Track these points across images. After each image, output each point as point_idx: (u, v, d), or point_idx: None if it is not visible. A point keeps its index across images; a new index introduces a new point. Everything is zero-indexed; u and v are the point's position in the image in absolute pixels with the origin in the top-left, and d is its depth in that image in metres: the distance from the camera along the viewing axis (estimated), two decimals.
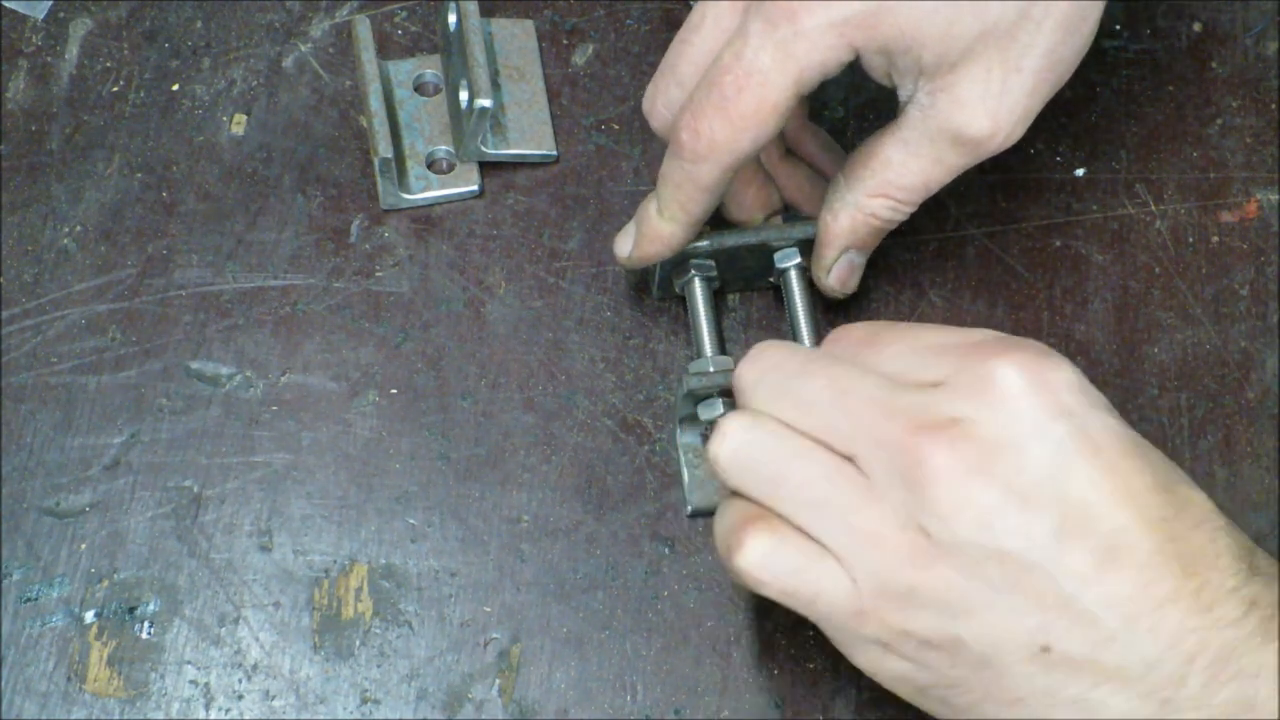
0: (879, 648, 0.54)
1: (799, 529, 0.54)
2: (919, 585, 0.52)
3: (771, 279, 0.68)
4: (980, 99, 0.61)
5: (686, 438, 0.65)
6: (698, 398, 0.64)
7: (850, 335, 0.58)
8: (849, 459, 0.54)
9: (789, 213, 0.69)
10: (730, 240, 0.66)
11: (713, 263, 0.67)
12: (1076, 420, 0.52)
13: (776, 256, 0.67)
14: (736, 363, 0.66)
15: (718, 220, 0.67)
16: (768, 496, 0.55)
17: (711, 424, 0.64)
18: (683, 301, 0.68)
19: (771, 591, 0.55)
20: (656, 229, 0.64)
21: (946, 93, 0.61)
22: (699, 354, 0.66)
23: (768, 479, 0.55)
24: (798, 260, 0.67)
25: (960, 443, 0.52)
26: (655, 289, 0.68)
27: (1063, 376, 0.53)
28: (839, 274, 0.66)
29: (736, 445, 0.55)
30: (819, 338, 0.66)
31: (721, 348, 0.66)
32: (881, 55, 0.61)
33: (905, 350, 0.55)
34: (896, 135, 0.63)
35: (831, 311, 0.69)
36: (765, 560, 0.54)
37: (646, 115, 0.66)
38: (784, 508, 0.54)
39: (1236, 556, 0.52)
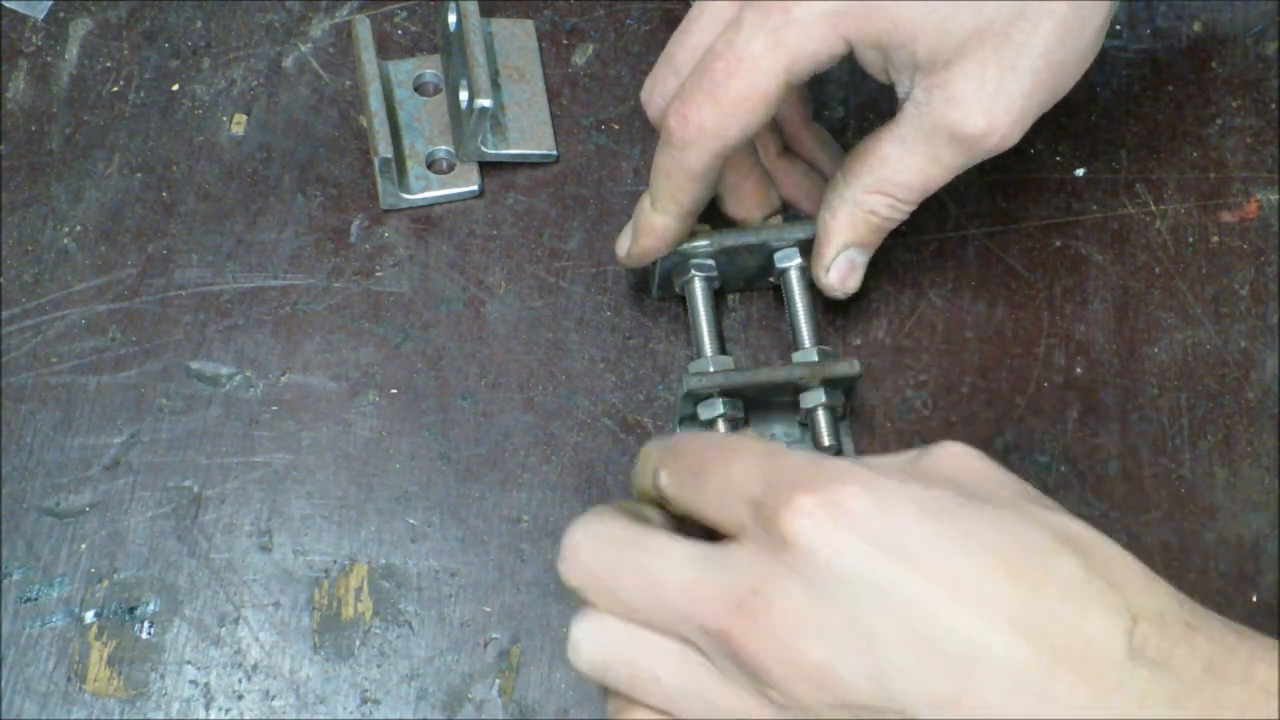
0: None
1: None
2: None
3: (772, 279, 0.68)
4: (975, 97, 0.60)
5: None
6: (698, 398, 0.64)
7: (687, 454, 0.54)
8: (689, 643, 0.52)
9: (789, 212, 0.69)
10: (730, 240, 0.66)
11: (713, 263, 0.67)
12: (885, 545, 0.48)
13: (776, 256, 0.67)
14: (736, 363, 0.66)
15: (718, 220, 0.67)
16: (633, 693, 0.53)
17: (711, 423, 0.64)
18: (683, 301, 0.68)
19: None
20: (650, 222, 0.64)
21: (942, 90, 0.61)
22: (699, 354, 0.66)
23: (625, 680, 0.53)
24: (798, 260, 0.67)
25: (763, 613, 0.49)
26: (655, 289, 0.68)
27: (857, 505, 0.49)
28: (838, 272, 0.66)
29: (588, 655, 0.53)
30: (819, 338, 0.66)
31: (722, 348, 0.66)
32: (876, 50, 0.61)
33: (718, 488, 0.52)
34: (894, 132, 0.63)
35: (831, 312, 0.69)
36: None
37: (644, 105, 0.66)
38: (652, 701, 0.53)
39: (1112, 637, 0.47)
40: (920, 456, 0.52)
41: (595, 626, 0.53)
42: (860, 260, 0.66)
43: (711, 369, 0.65)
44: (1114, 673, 0.47)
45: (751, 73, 0.60)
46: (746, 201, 0.67)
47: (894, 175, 0.63)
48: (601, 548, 0.53)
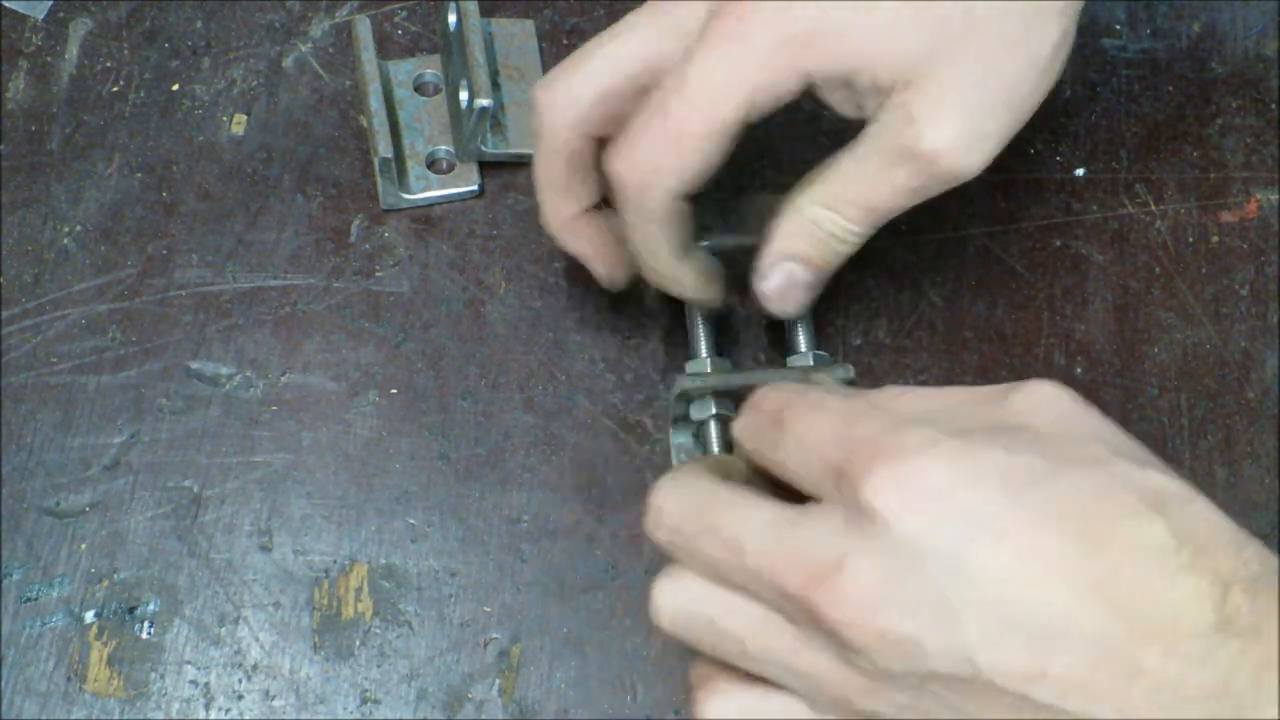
0: None
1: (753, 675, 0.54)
2: (878, 709, 0.51)
3: None
4: (932, 115, 0.59)
5: (680, 438, 0.65)
6: (690, 398, 0.64)
7: (767, 404, 0.55)
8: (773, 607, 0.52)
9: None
10: (729, 241, 0.66)
11: (721, 262, 0.67)
12: (965, 516, 0.48)
13: None
14: (734, 367, 0.66)
15: (717, 220, 0.68)
16: (714, 652, 0.54)
17: (703, 424, 0.64)
18: (681, 301, 0.68)
19: None
20: (660, 276, 0.63)
21: (901, 109, 0.59)
22: (694, 354, 0.66)
23: (708, 642, 0.54)
24: None
25: (852, 587, 0.49)
26: (655, 289, 0.68)
27: (937, 477, 0.49)
28: (774, 283, 0.63)
29: (671, 615, 0.54)
30: (815, 342, 0.66)
31: (718, 348, 0.66)
32: (838, 80, 0.59)
33: (798, 447, 0.52)
34: (851, 149, 0.61)
35: (831, 312, 0.69)
36: (724, 712, 0.54)
37: (540, 106, 0.62)
38: (732, 661, 0.54)
39: (1201, 608, 0.47)
40: (1010, 394, 0.52)
41: (677, 585, 0.54)
42: (803, 277, 0.63)
43: (707, 369, 0.65)
44: (1202, 643, 0.47)
45: (710, 105, 0.58)
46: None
47: (845, 190, 0.61)
48: (687, 507, 0.54)
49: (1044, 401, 0.51)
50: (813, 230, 0.62)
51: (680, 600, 0.54)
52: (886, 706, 0.51)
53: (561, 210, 0.64)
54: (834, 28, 0.58)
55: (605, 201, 0.64)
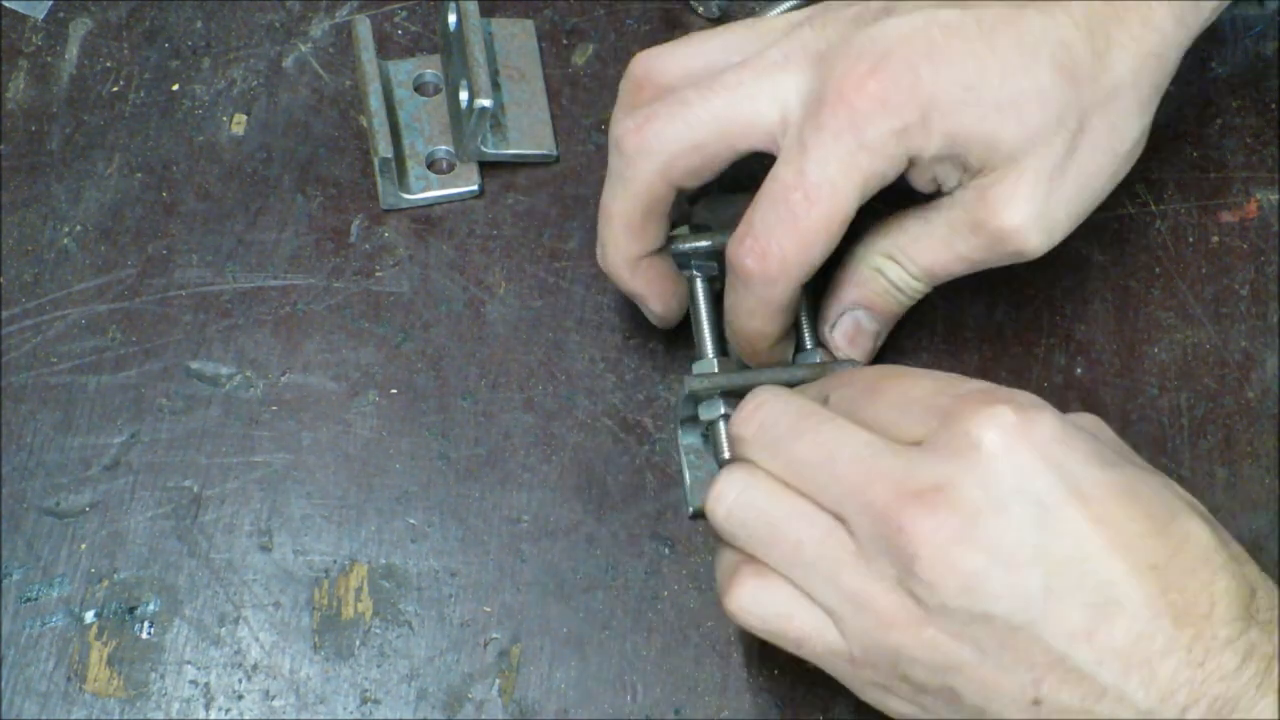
0: (878, 689, 0.55)
1: (791, 582, 0.55)
2: (908, 644, 0.53)
3: None
4: (1009, 198, 0.60)
5: (688, 438, 0.65)
6: (699, 398, 0.64)
7: (856, 381, 0.58)
8: (840, 519, 0.54)
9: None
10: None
11: (715, 263, 0.66)
12: (1061, 472, 0.52)
13: None
14: (739, 365, 0.66)
15: (713, 221, 0.67)
16: (762, 554, 0.56)
17: (712, 424, 0.64)
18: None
19: (760, 633, 0.57)
20: (749, 354, 0.64)
21: (979, 189, 0.61)
22: (701, 354, 0.66)
23: (761, 539, 0.56)
24: None
25: (942, 510, 0.52)
26: None
27: (1046, 429, 0.53)
28: (842, 331, 0.65)
29: (731, 505, 0.56)
30: (817, 341, 0.66)
31: (724, 348, 0.66)
32: (933, 162, 0.61)
33: (897, 403, 0.56)
34: (920, 210, 0.63)
35: None
36: (753, 605, 0.56)
37: (627, 149, 0.62)
38: (778, 565, 0.56)
39: (1234, 601, 0.52)
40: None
41: (748, 480, 0.57)
42: (869, 326, 0.65)
43: (715, 369, 0.65)
44: (1227, 630, 0.51)
45: (831, 199, 0.59)
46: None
47: (908, 246, 0.63)
48: (787, 411, 0.57)
49: (1094, 424, 0.57)
50: (875, 277, 0.64)
51: (748, 494, 0.56)
52: (920, 645, 0.53)
53: (631, 251, 0.64)
54: (944, 111, 0.59)
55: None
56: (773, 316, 0.62)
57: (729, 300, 0.63)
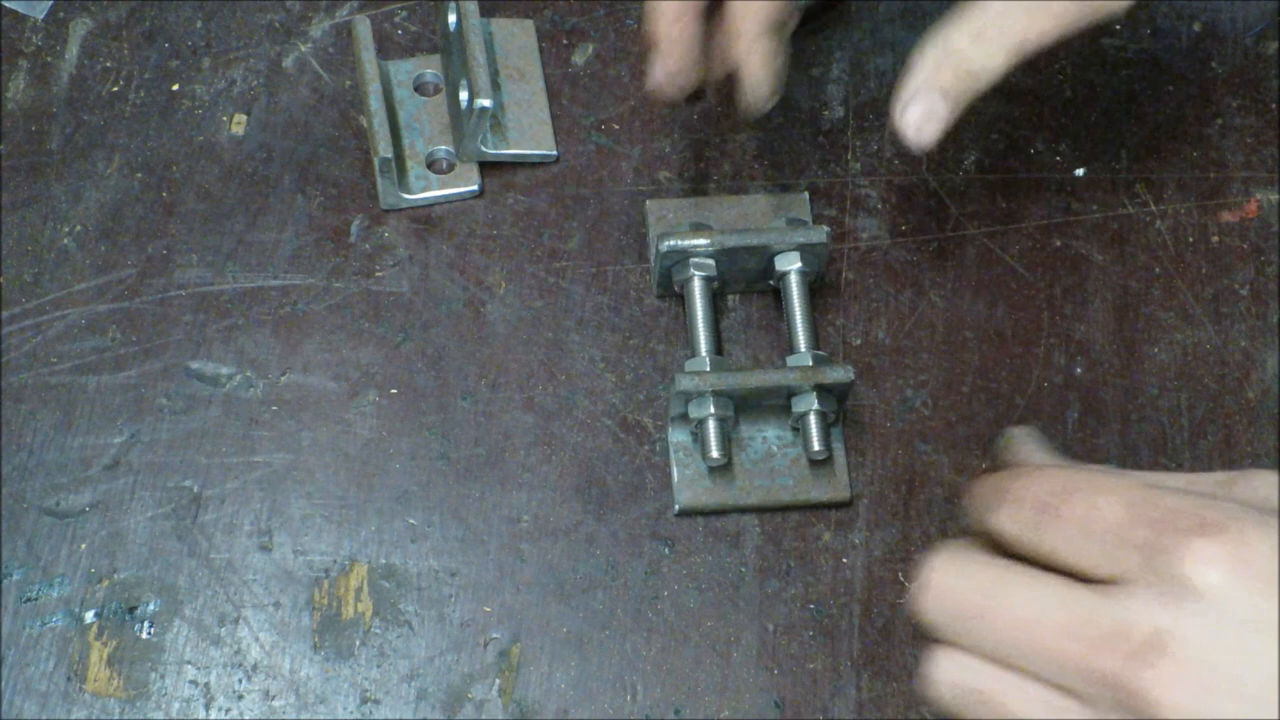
0: None
1: None
2: None
3: (772, 281, 0.68)
4: None
5: (678, 436, 0.65)
6: (689, 397, 0.64)
7: (1025, 500, 0.53)
8: (1063, 689, 0.50)
9: (793, 217, 0.69)
10: (731, 241, 0.66)
11: (713, 262, 0.67)
12: None
13: (777, 259, 0.67)
14: (733, 363, 0.66)
15: (721, 222, 0.68)
16: None
17: (701, 423, 0.64)
18: (682, 300, 0.68)
19: None
20: (657, 30, 0.62)
21: None
22: (694, 353, 0.66)
23: None
24: (798, 264, 0.67)
25: (1175, 664, 0.47)
26: (655, 286, 0.68)
27: (1263, 548, 0.48)
28: (914, 116, 0.62)
29: (948, 695, 0.52)
30: (816, 343, 0.66)
31: (718, 347, 0.66)
32: None
33: (1082, 531, 0.51)
34: None
35: (831, 312, 0.69)
36: None
37: None
38: None
39: None
40: (1237, 482, 0.51)
41: (956, 665, 0.52)
42: (941, 110, 0.62)
43: (706, 368, 0.65)
44: None
45: None
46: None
47: (998, 14, 0.60)
48: (969, 584, 0.52)
49: (1270, 489, 0.51)
50: (957, 63, 0.61)
51: (960, 680, 0.52)
52: None
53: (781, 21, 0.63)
54: None
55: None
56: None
57: None
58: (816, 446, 0.64)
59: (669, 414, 0.65)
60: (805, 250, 0.67)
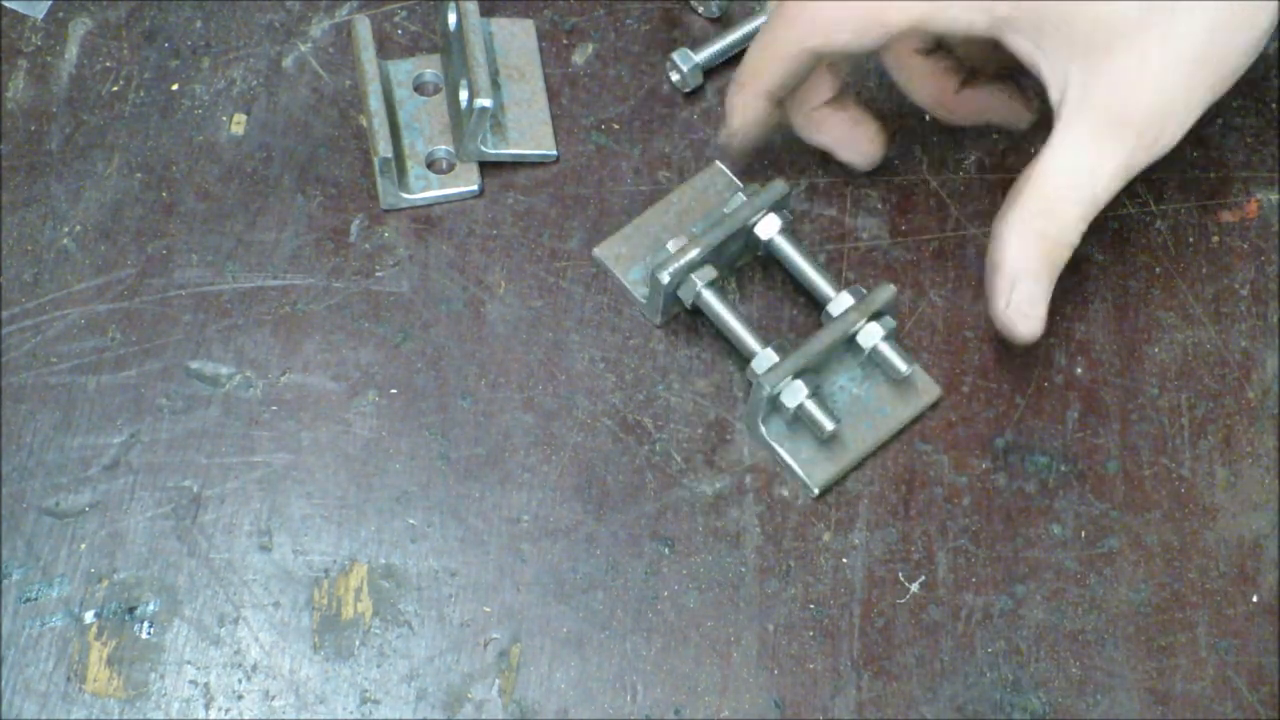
0: None
1: None
2: None
3: (759, 252, 0.68)
4: (1140, 81, 0.58)
5: (775, 429, 0.65)
6: (777, 390, 0.64)
7: None
8: None
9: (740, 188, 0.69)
10: (714, 236, 0.66)
11: (710, 266, 0.67)
12: None
13: (758, 229, 0.67)
14: (796, 344, 0.65)
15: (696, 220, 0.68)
16: None
17: (800, 406, 0.64)
18: (697, 315, 0.68)
19: None
20: (733, 100, 0.65)
21: (1101, 75, 0.58)
22: (751, 353, 0.65)
23: None
24: (779, 224, 0.67)
25: None
26: (659, 316, 0.68)
27: None
28: (1018, 308, 0.63)
29: None
30: (836, 281, 0.67)
31: (763, 339, 0.66)
32: (1030, 30, 0.59)
33: None
34: (1054, 139, 0.61)
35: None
36: None
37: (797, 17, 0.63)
38: None
39: None
40: None
41: None
42: (1038, 291, 0.63)
43: (775, 359, 0.65)
44: None
45: None
46: (859, 145, 0.68)
47: (1060, 185, 0.61)
48: None
49: None
50: (1039, 242, 0.62)
51: None
52: None
53: (810, 100, 0.66)
54: None
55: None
56: (773, 62, 0.63)
57: (759, 37, 0.64)
58: (902, 367, 0.65)
59: (752, 417, 0.65)
60: (778, 208, 0.67)
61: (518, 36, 0.73)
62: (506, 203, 0.71)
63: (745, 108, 0.66)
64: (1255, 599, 0.64)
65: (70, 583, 0.64)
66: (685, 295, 0.67)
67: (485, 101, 0.68)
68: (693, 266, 0.66)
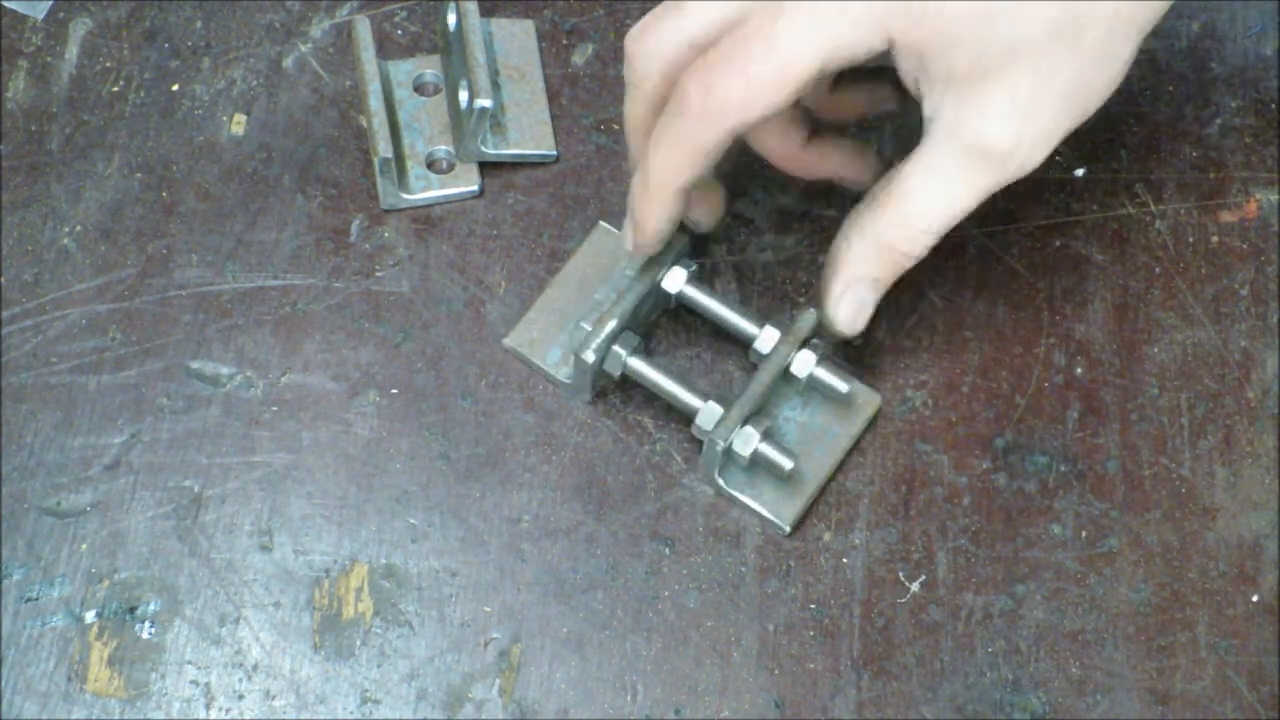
0: None
1: None
2: None
3: (671, 305, 0.67)
4: (1006, 113, 0.59)
5: (734, 478, 0.65)
6: (729, 443, 0.63)
7: None
8: None
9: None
10: (629, 301, 0.65)
11: (631, 332, 0.65)
12: None
13: (664, 284, 0.66)
14: (735, 391, 0.66)
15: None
16: None
17: (754, 455, 0.63)
18: (624, 385, 0.67)
19: None
20: (648, 206, 0.63)
21: (973, 105, 0.60)
22: (693, 411, 0.64)
23: None
24: (684, 274, 0.66)
25: None
26: (588, 394, 0.67)
27: None
28: (848, 309, 0.64)
29: None
30: (759, 317, 0.66)
31: (701, 393, 0.65)
32: (914, 56, 0.60)
33: None
34: (920, 158, 0.62)
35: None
36: None
37: (629, 50, 0.62)
38: None
39: None
40: None
41: None
42: (870, 299, 0.64)
43: (720, 411, 0.64)
44: None
45: (789, 53, 0.58)
46: (705, 210, 0.67)
47: (919, 203, 0.62)
48: None
49: None
50: (887, 253, 0.63)
51: None
52: None
53: (788, 148, 0.67)
54: (931, 7, 0.59)
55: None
56: (690, 157, 0.61)
57: (656, 131, 0.61)
58: (842, 387, 0.65)
59: (708, 472, 0.64)
60: (680, 258, 0.66)
61: (518, 37, 0.73)
62: (506, 203, 0.71)
63: (661, 213, 0.63)
64: (1255, 599, 0.64)
65: (71, 583, 0.64)
66: (612, 368, 0.65)
67: (485, 102, 0.68)
68: (613, 338, 0.65)
